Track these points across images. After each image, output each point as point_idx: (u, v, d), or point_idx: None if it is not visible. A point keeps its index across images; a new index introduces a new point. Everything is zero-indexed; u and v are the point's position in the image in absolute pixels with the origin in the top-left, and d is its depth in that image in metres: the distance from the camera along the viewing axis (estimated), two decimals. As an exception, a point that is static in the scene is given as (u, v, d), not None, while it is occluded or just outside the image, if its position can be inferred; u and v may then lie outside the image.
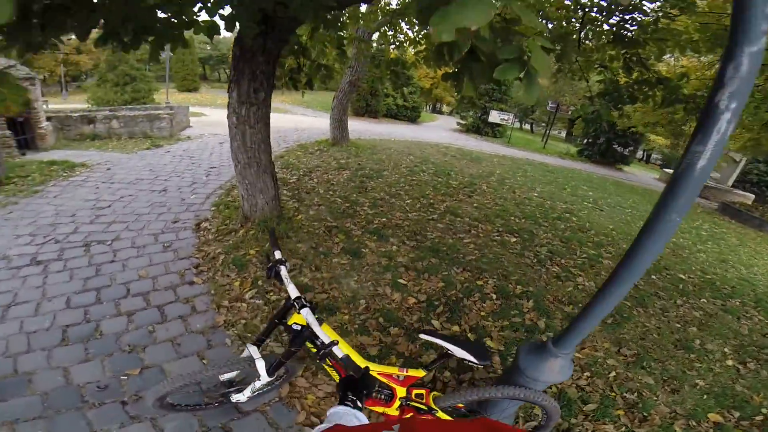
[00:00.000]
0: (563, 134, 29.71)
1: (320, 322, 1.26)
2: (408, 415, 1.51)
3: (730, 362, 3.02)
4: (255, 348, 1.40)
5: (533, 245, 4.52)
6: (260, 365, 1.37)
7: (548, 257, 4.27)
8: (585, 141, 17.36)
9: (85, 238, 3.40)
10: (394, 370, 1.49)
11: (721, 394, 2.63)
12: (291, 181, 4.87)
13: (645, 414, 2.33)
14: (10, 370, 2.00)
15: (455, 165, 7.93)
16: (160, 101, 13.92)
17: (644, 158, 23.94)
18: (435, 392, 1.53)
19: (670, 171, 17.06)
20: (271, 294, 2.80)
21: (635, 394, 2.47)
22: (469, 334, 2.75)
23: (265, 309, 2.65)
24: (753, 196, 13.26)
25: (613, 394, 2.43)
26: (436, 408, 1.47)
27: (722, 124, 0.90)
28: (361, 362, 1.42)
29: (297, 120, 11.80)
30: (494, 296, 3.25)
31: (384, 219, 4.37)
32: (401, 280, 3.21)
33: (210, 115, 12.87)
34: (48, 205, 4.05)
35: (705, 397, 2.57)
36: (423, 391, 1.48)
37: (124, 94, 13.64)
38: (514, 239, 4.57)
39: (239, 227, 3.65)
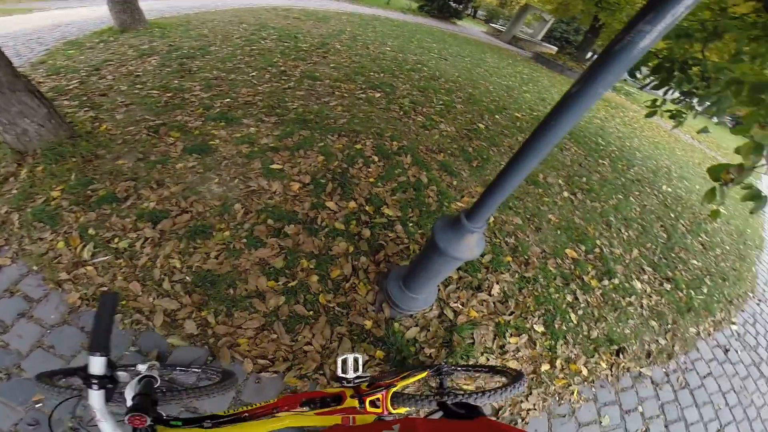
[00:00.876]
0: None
1: None
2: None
3: (566, 194, 3.74)
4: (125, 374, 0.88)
5: (396, 98, 4.49)
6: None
7: (412, 108, 4.33)
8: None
9: None
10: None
11: (567, 228, 3.22)
12: (70, 87, 3.33)
13: (526, 257, 2.69)
14: None
15: (301, 27, 6.79)
16: None
17: (473, 14, 26.29)
18: (394, 388, 1.17)
19: (495, 26, 19.17)
20: (117, 241, 2.09)
21: (513, 237, 2.84)
22: (366, 207, 2.65)
23: (121, 263, 2.00)
24: (556, 49, 16.98)
25: (498, 239, 2.77)
26: (394, 412, 1.13)
27: (680, 8, 0.75)
28: None
29: (55, 15, 7.84)
30: (376, 158, 3.18)
31: (228, 99, 3.54)
32: (275, 166, 2.78)
33: None
34: None
35: (558, 232, 3.12)
36: (378, 396, 1.12)
37: None
38: (378, 94, 4.43)
39: (16, 167, 2.46)
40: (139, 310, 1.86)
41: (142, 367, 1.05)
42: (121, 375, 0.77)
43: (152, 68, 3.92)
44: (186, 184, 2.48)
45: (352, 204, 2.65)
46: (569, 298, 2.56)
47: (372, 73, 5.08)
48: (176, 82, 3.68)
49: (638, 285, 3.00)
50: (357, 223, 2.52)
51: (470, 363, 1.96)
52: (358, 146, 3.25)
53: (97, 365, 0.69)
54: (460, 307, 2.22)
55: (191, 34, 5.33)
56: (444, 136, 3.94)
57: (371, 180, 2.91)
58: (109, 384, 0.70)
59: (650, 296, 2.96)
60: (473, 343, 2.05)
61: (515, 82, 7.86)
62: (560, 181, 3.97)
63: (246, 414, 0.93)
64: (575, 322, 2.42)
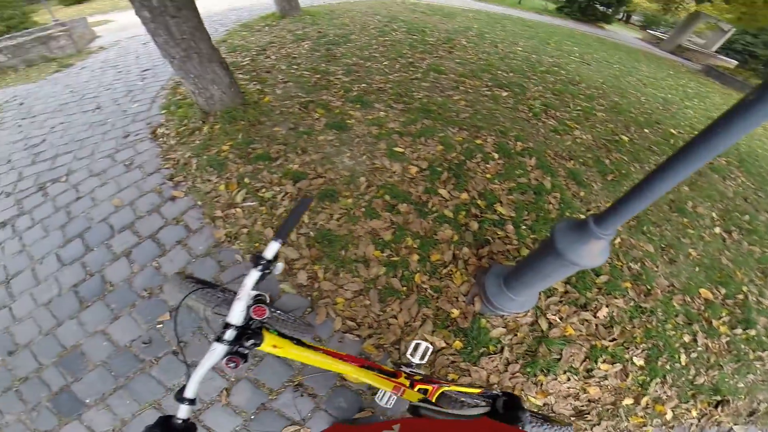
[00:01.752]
0: (537, -11, 27.38)
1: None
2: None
3: (717, 230, 3.09)
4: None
5: (526, 98, 4.23)
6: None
7: (543, 110, 4.04)
8: (565, -2, 16.22)
9: (35, 181, 2.91)
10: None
11: (710, 267, 2.69)
12: (243, 63, 4.09)
13: (648, 287, 2.35)
14: (59, 347, 1.92)
15: (428, 21, 6.94)
16: (46, 22, 11.16)
17: (624, 18, 23.20)
18: (446, 387, 1.15)
19: (655, 32, 16.63)
20: (264, 191, 2.49)
21: (639, 263, 2.50)
22: (478, 201, 2.60)
23: (263, 210, 2.38)
24: (735, 62, 14.34)
25: (620, 263, 2.46)
26: (442, 411, 1.08)
27: None
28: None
29: (229, 1, 9.69)
30: (496, 155, 3.07)
31: (363, 85, 3.85)
32: (397, 149, 2.93)
33: (118, 20, 10.69)
34: (-27, 159, 3.42)
35: (697, 269, 2.63)
36: (429, 388, 1.13)
37: (-7, 25, 10.73)
38: (506, 93, 4.24)
39: (201, 124, 3.13)
40: (267, 255, 2.18)
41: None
42: (279, 267, 0.84)
43: (305, 52, 4.51)
44: (324, 154, 2.81)
45: (465, 195, 2.63)
46: (686, 338, 2.22)
47: (500, 72, 4.89)
48: (323, 65, 4.16)
49: (780, 342, 2.36)
50: (466, 214, 2.50)
51: (530, 409, 1.71)
52: (479, 141, 3.19)
53: (272, 249, 0.80)
54: (558, 320, 2.07)
55: (335, 23, 5.93)
56: (578, 143, 3.58)
57: (488, 176, 2.84)
58: (267, 270, 0.81)
59: (789, 358, 2.32)
60: (559, 359, 1.93)
61: (676, 95, 6.71)
62: (714, 214, 3.25)
63: (322, 350, 1.02)
64: (683, 363, 2.13)
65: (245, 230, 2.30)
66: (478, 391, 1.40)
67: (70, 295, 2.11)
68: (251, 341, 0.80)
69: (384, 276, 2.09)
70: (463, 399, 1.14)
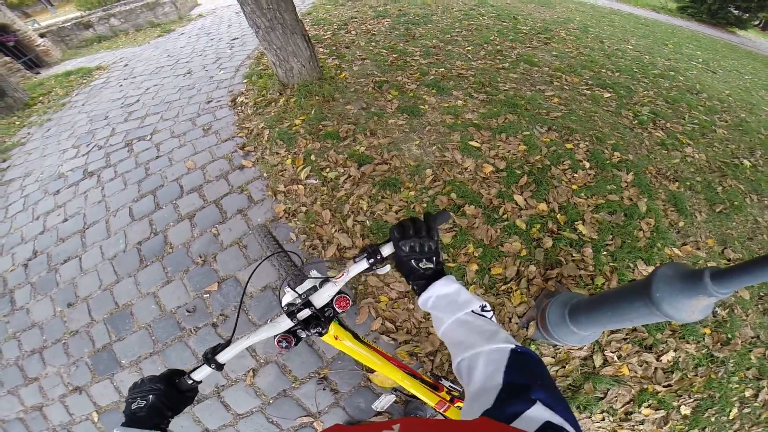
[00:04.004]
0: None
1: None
2: None
3: None
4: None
5: (632, 103, 3.63)
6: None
7: (651, 119, 3.43)
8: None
9: (124, 138, 3.25)
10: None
11: None
12: (325, 37, 4.06)
13: (729, 336, 2.02)
14: (113, 304, 2.06)
15: (521, 9, 6.31)
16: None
17: (761, 25, 19.79)
18: None
19: None
20: (328, 171, 2.41)
21: (727, 309, 2.12)
22: (558, 215, 2.27)
23: (324, 190, 2.31)
24: None
25: None
26: None
27: None
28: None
29: None
30: (587, 165, 2.65)
31: (442, 69, 3.57)
32: (473, 143, 2.65)
33: (217, -13, 11.58)
34: (80, 114, 4.01)
35: None
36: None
37: (111, -9, 12.27)
38: (608, 95, 3.66)
39: (278, 96, 3.16)
40: (321, 237, 2.10)
41: None
42: (386, 267, 0.78)
43: (384, 29, 4.35)
44: (392, 139, 2.65)
45: (543, 206, 2.29)
46: (748, 393, 1.93)
47: (603, 71, 4.26)
48: (401, 45, 3.97)
49: None
50: (541, 228, 2.18)
51: None
52: (569, 145, 2.78)
53: (388, 249, 0.72)
54: (615, 358, 1.86)
55: (416, 2, 5.64)
56: (687, 162, 2.99)
57: (574, 187, 2.45)
58: (375, 265, 0.73)
59: None
60: (602, 398, 1.78)
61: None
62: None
63: (373, 348, 0.98)
64: (730, 417, 1.88)
65: (303, 209, 2.25)
66: None
67: (133, 252, 2.24)
68: (318, 329, 0.73)
69: (434, 281, 1.92)
70: None
